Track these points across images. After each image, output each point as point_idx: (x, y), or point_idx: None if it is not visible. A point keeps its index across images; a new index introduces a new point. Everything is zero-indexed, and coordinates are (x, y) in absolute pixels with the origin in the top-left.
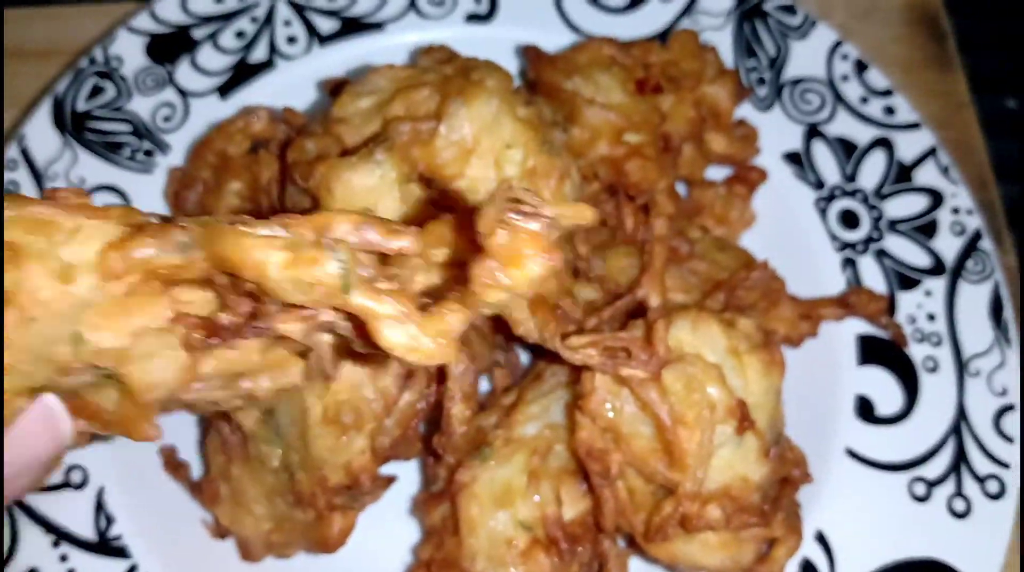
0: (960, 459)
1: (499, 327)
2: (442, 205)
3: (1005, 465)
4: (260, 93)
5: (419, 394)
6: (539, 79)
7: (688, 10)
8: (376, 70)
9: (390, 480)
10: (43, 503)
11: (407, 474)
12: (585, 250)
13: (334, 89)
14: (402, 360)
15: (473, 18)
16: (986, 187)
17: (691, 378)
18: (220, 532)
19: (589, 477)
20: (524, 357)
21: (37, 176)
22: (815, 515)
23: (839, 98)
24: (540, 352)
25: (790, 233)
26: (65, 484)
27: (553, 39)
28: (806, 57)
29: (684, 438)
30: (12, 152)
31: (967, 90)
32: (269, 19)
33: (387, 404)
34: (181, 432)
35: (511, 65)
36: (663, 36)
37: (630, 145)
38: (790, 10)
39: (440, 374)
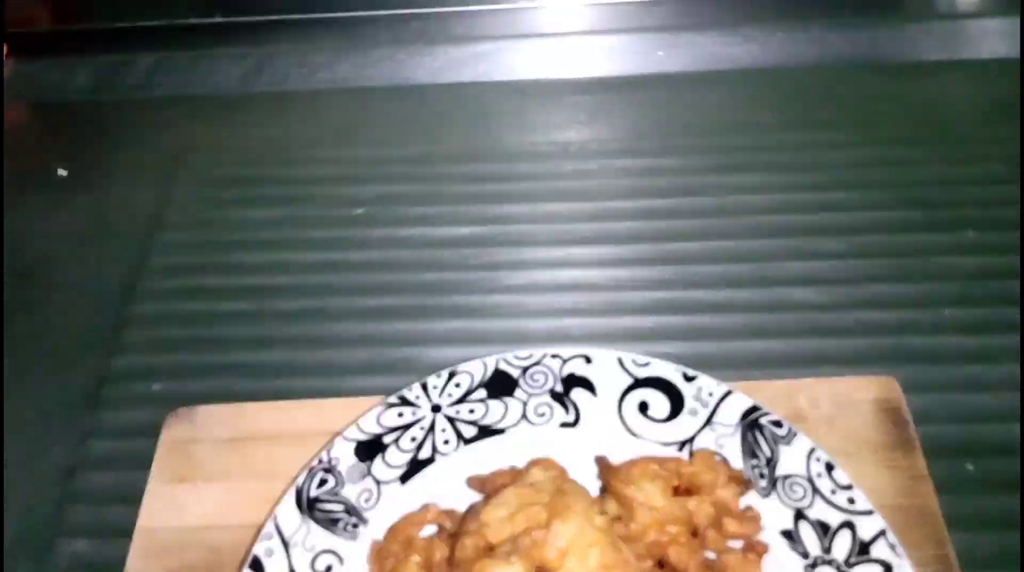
0: None
1: None
2: None
3: None
4: (426, 481)
5: None
6: (606, 483)
7: (708, 421)
8: (507, 489)
9: None
10: None
11: None
12: None
13: (482, 490)
14: None
15: (564, 425)
16: (942, 544)
17: None
18: None
19: None
20: None
21: (285, 543)
22: None
23: (815, 490)
24: None
25: None
26: None
27: (618, 439)
28: (791, 458)
29: None
30: (269, 527)
31: (924, 465)
32: (432, 427)
33: None
34: None
35: (590, 466)
36: (691, 440)
37: (670, 534)
38: (778, 424)
39: None
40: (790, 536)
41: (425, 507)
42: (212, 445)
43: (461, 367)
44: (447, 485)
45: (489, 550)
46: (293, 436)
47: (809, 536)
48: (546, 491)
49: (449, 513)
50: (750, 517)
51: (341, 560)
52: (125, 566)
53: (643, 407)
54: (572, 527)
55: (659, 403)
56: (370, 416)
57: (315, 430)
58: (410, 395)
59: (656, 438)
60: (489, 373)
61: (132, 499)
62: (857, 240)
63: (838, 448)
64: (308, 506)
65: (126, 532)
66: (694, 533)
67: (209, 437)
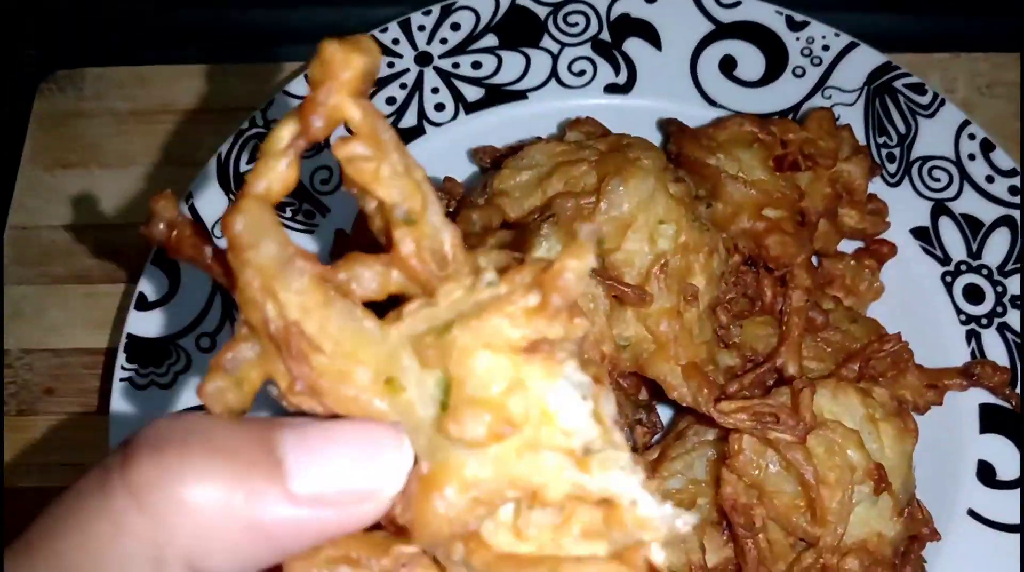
0: None
1: (646, 389)
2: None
3: None
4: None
5: None
6: (681, 153)
7: (820, 86)
8: (533, 145)
9: None
10: None
11: None
12: (726, 319)
13: (493, 161)
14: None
15: (611, 88)
16: None
17: (832, 442)
18: None
19: (732, 528)
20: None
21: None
22: (938, 571)
23: (965, 176)
24: (682, 412)
25: (916, 305)
26: None
27: (689, 111)
28: (934, 135)
29: (826, 496)
30: (183, 209)
31: None
32: (418, 85)
33: None
34: None
35: (651, 137)
36: (795, 111)
37: (770, 220)
38: (919, 88)
39: None
40: (925, 236)
41: None
42: (108, 120)
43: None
44: (440, 165)
45: (505, 227)
46: (221, 110)
47: (952, 236)
48: (594, 147)
49: (445, 186)
50: (874, 209)
51: None
52: None
53: (727, 64)
54: (637, 190)
55: (751, 59)
56: None
57: (252, 102)
58: (384, 38)
59: (744, 108)
60: (503, 10)
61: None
62: None
63: None
64: (237, 185)
65: None
66: (802, 223)
67: (103, 109)
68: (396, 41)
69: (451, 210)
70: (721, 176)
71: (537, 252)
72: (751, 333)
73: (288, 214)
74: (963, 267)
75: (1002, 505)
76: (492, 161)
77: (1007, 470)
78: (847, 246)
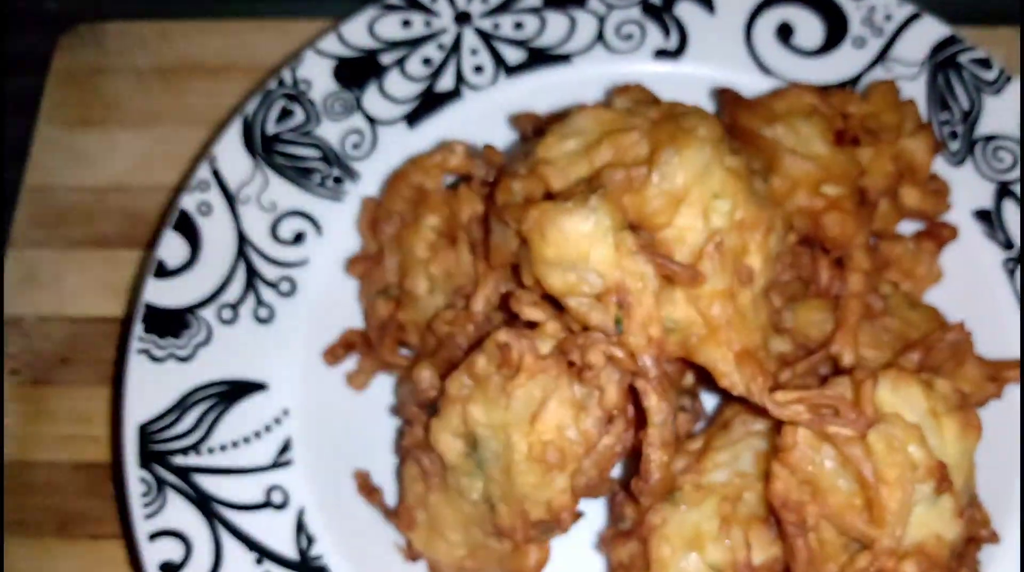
0: None
1: (692, 374)
2: None
3: None
4: (448, 124)
5: (618, 438)
6: (735, 123)
7: (881, 58)
8: (579, 111)
9: (579, 515)
10: (246, 522)
11: (594, 510)
12: (779, 302)
13: (536, 129)
14: None
15: (661, 54)
16: None
17: (892, 438)
18: (413, 555)
19: (781, 525)
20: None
21: (229, 198)
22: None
23: None
24: (729, 400)
25: (976, 292)
26: (267, 504)
27: (743, 79)
28: (999, 113)
29: (886, 496)
30: (203, 173)
31: None
32: (456, 46)
33: (588, 446)
34: (377, 458)
35: (702, 106)
36: (854, 83)
37: (828, 197)
38: (985, 64)
39: (639, 419)
40: (987, 219)
41: (445, 145)
42: (130, 77)
43: None
44: (478, 131)
45: (549, 198)
46: (249, 68)
47: (1016, 220)
48: (645, 115)
49: (483, 155)
50: (936, 189)
51: (318, 226)
52: (10, 235)
53: (784, 31)
54: (692, 162)
55: (809, 26)
56: (358, 22)
57: (280, 60)
58: None
59: (801, 78)
60: None
61: (17, 153)
62: None
63: None
64: (264, 147)
65: (10, 195)
66: (861, 201)
67: (126, 66)
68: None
69: (490, 180)
70: (778, 149)
71: (584, 226)
72: (804, 318)
73: (317, 180)
74: None
75: None
76: (534, 128)
77: None
78: (905, 228)
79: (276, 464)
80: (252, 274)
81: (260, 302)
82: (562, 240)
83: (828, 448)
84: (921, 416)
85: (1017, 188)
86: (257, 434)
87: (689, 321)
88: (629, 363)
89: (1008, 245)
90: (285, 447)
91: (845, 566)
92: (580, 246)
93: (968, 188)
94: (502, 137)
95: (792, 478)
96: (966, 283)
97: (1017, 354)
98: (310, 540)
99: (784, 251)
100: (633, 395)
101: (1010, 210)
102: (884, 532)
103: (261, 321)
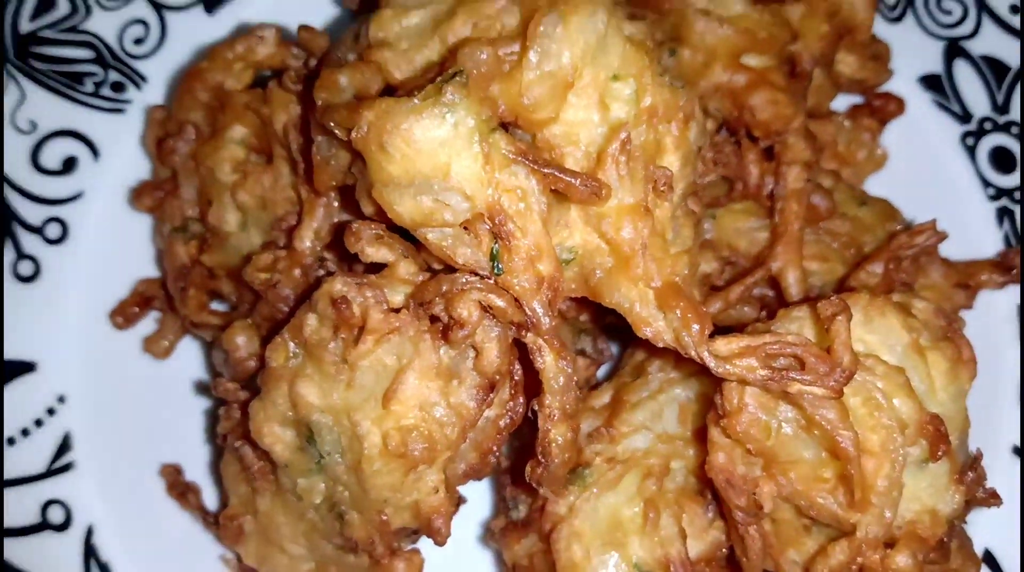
0: None
1: (588, 310)
2: None
3: None
4: (257, 7)
5: (503, 409)
6: None
7: None
8: None
9: (459, 504)
10: (17, 552)
11: (477, 494)
12: (697, 209)
13: (366, 0)
14: None
15: None
16: None
17: (872, 390)
18: None
19: (721, 504)
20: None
21: None
22: (981, 529)
23: (984, 7)
24: (638, 340)
25: (930, 176)
26: (43, 525)
27: None
28: None
29: (871, 470)
30: None
31: None
32: None
33: (464, 425)
34: (187, 451)
35: None
36: None
37: (753, 70)
38: None
39: (528, 383)
40: (937, 86)
41: (249, 30)
42: None
43: None
44: (291, 7)
45: (388, 92)
46: None
47: (971, 86)
48: None
49: (299, 40)
50: (874, 54)
51: (93, 148)
52: None
53: None
54: (581, 32)
55: None
56: None
57: None
58: None
59: None
60: None
61: None
62: None
63: None
64: (17, 50)
65: None
66: (792, 73)
67: None
68: None
69: (310, 71)
70: (687, 12)
71: (439, 131)
72: (730, 226)
73: (90, 88)
74: (987, 126)
75: None
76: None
77: None
78: (838, 103)
79: (51, 471)
80: (8, 218)
81: (20, 254)
82: (410, 151)
83: (786, 408)
84: (902, 354)
85: (968, 46)
86: (25, 432)
87: (591, 249)
88: (513, 312)
89: (965, 117)
90: (63, 446)
91: (815, 558)
92: (436, 158)
93: (911, 50)
94: (322, 15)
95: (737, 449)
96: (916, 167)
97: (987, 252)
98: (104, 569)
99: (704, 145)
100: (520, 352)
101: (963, 74)
102: (869, 516)
103: (23, 279)
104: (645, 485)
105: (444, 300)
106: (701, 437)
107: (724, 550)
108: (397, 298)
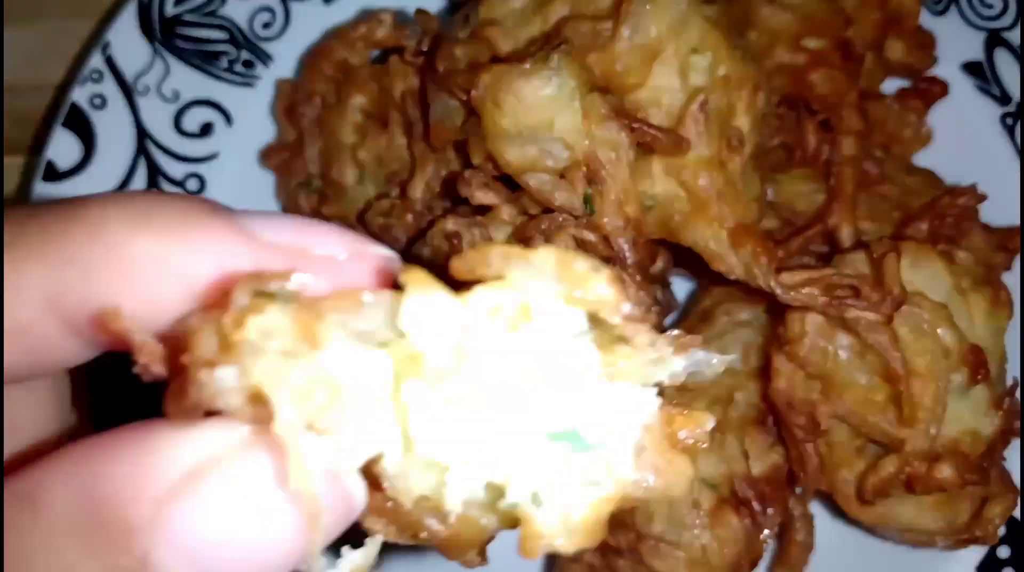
0: None
1: (662, 258)
2: None
3: None
4: None
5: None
6: None
7: None
8: None
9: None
10: None
11: None
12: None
13: None
14: None
15: None
16: None
17: (919, 321)
18: None
19: (782, 430)
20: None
21: (126, 89)
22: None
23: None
24: (705, 287)
25: (972, 153)
26: None
27: None
28: None
29: (918, 390)
30: (96, 62)
31: None
32: None
33: None
34: None
35: None
36: None
37: (811, 52)
38: None
39: None
40: (979, 72)
41: (370, 14)
42: None
43: None
44: (410, 3)
45: (496, 63)
46: None
47: (1011, 72)
48: None
49: (415, 22)
50: (920, 42)
51: (227, 116)
52: None
53: None
54: (667, 11)
55: None
56: None
57: None
58: None
59: None
60: None
61: None
62: None
63: None
64: (163, 30)
65: None
66: (845, 56)
67: None
68: None
69: (425, 50)
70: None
71: (546, 90)
72: (790, 190)
73: (224, 64)
74: None
75: None
76: None
77: None
78: (887, 87)
79: None
80: (154, 172)
81: None
82: (520, 107)
83: (843, 336)
84: (946, 294)
85: (1008, 36)
86: None
87: (671, 196)
88: (603, 248)
89: (1004, 99)
90: None
91: (866, 473)
92: (542, 113)
93: (955, 39)
94: (444, 5)
95: (798, 373)
96: (960, 145)
97: (1017, 221)
98: None
99: (769, 113)
100: None
101: (1004, 61)
102: (916, 432)
103: None
104: (712, 409)
105: (543, 236)
106: (762, 374)
107: (782, 473)
108: (500, 236)
